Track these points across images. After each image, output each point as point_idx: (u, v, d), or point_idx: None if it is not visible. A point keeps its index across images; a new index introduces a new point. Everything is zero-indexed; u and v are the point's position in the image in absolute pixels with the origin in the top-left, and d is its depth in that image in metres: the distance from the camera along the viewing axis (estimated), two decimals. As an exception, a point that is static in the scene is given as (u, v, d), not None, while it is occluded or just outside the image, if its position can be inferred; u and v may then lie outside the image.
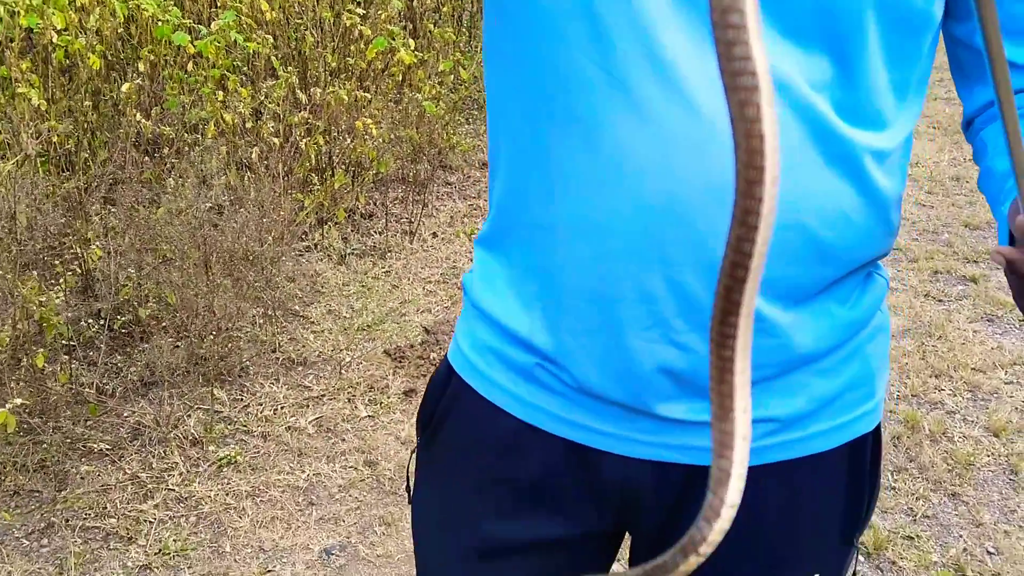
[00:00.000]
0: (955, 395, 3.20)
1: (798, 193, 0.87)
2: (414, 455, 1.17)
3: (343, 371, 3.23)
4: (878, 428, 1.07)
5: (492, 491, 1.06)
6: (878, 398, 1.05)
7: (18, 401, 2.42)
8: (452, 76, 4.76)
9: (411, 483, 1.18)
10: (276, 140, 3.67)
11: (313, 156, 3.95)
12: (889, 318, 1.08)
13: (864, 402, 1.03)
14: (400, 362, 3.30)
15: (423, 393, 1.14)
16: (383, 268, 3.96)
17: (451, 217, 4.46)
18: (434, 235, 4.28)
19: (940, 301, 3.88)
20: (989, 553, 2.49)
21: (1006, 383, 3.27)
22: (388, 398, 3.10)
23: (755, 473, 0.98)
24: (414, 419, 3.07)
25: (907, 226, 4.55)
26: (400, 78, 4.45)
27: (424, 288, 3.83)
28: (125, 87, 3.38)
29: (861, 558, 2.48)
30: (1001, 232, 0.91)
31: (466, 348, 1.06)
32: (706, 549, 0.55)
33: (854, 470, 1.05)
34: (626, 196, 0.87)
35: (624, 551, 1.18)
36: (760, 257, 0.45)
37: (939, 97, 6.48)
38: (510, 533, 1.07)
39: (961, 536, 2.56)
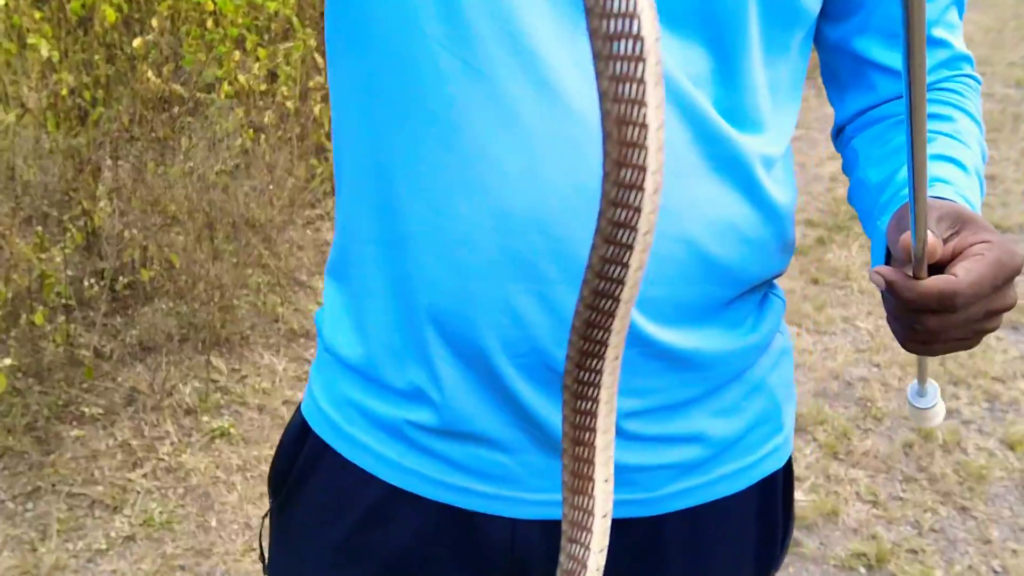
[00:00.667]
0: (972, 404, 3.10)
1: (683, 201, 0.78)
2: (266, 519, 1.04)
3: (346, 345, 3.17)
4: (789, 462, 0.98)
5: (351, 566, 0.95)
6: (786, 432, 0.97)
7: (8, 362, 2.37)
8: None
9: (264, 549, 1.06)
10: (291, 104, 3.60)
11: (328, 123, 3.87)
12: (790, 340, 0.99)
13: (771, 438, 0.95)
14: (404, 338, 3.24)
15: (276, 448, 1.02)
16: (394, 240, 3.90)
17: (468, 191, 4.38)
18: (449, 208, 4.20)
19: (963, 304, 3.77)
20: (995, 572, 2.41)
21: (1026, 394, 3.17)
22: (389, 375, 3.04)
23: (656, 522, 0.90)
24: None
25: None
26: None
27: (434, 263, 3.76)
28: (136, 42, 3.31)
29: (862, 569, 2.41)
30: (876, 249, 0.83)
31: (323, 402, 0.94)
32: None
33: (765, 510, 0.97)
34: (486, 204, 0.77)
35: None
36: (633, 286, 0.34)
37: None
38: None
39: (968, 552, 2.48)
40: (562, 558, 0.42)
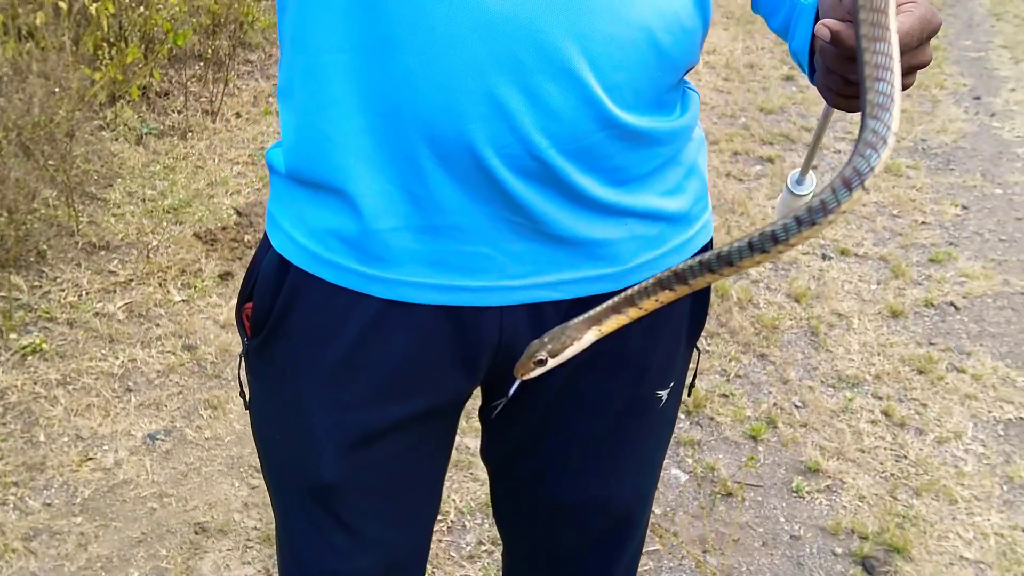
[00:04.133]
0: (758, 265, 3.37)
1: None
2: (243, 358, 1.08)
3: (151, 255, 3.05)
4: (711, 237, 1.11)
5: (353, 381, 1.00)
6: (710, 208, 1.09)
7: None
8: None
9: (245, 388, 1.10)
10: (63, 4, 3.36)
11: (106, 25, 3.64)
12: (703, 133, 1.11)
13: (703, 213, 1.07)
14: (212, 245, 3.15)
15: (244, 289, 1.03)
16: (185, 149, 3.74)
17: (255, 96, 4.25)
18: (238, 115, 4.07)
19: (740, 180, 4.06)
20: (796, 407, 2.67)
21: (803, 254, 3.48)
22: (203, 281, 2.96)
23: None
24: (233, 302, 2.95)
25: (707, 110, 4.71)
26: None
27: (232, 169, 3.65)
28: None
29: (682, 415, 2.60)
30: (804, 24, 0.90)
31: (299, 236, 0.96)
32: (872, 182, 0.54)
33: None
34: (468, 6, 0.81)
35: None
36: None
37: (730, -12, 6.69)
38: (375, 420, 1.01)
39: (771, 392, 2.73)
40: (869, 96, 0.50)
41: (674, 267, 0.77)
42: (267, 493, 1.16)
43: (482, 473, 2.37)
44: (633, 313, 0.81)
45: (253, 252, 1.03)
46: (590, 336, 0.82)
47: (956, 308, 3.21)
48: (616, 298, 0.82)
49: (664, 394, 1.13)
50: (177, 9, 3.80)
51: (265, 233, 1.03)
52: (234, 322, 2.77)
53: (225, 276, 2.99)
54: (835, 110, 0.93)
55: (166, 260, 3.04)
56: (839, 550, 2.22)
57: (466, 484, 2.34)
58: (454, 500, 2.27)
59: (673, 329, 1.10)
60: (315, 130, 0.91)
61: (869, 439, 2.57)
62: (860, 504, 2.35)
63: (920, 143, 4.56)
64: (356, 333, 0.97)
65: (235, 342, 2.71)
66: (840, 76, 0.81)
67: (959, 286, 3.33)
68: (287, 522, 1.13)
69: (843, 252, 3.51)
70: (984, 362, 2.91)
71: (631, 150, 0.93)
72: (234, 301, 2.87)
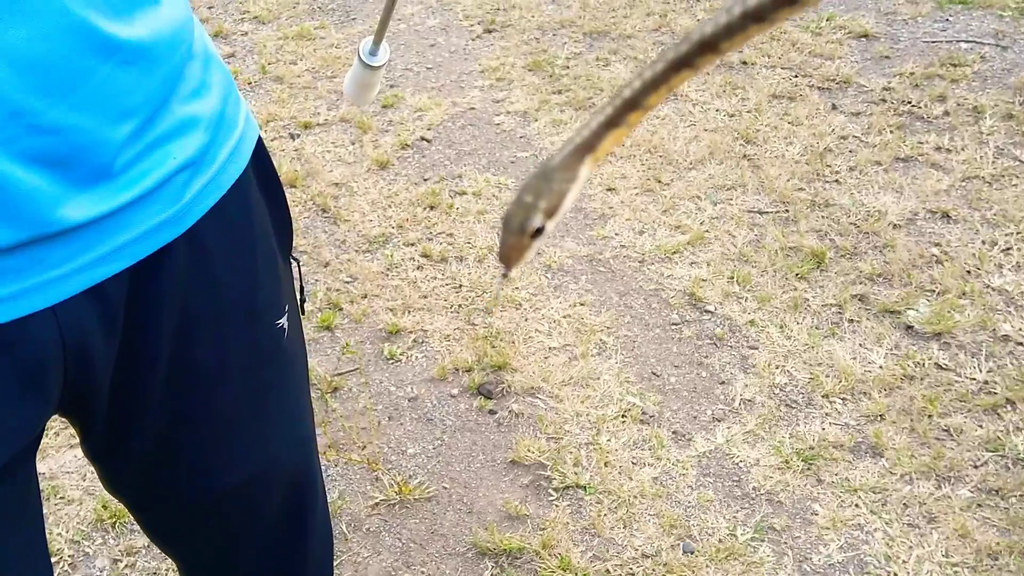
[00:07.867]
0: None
1: None
2: None
3: None
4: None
5: None
6: (244, 103, 0.97)
7: None
8: None
9: None
10: None
11: None
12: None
13: (238, 108, 0.95)
14: None
15: None
16: None
17: None
18: None
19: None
20: (347, 283, 2.67)
21: (271, 140, 3.40)
22: None
23: (193, 235, 0.87)
24: None
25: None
26: None
27: None
28: None
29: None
30: None
31: None
32: None
33: (265, 179, 0.99)
34: None
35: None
36: None
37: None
38: None
39: (318, 280, 2.69)
40: None
41: (691, 35, 0.57)
42: None
43: (74, 491, 2.07)
44: (635, 119, 0.61)
45: None
46: (586, 170, 0.63)
47: (428, 141, 3.37)
48: (609, 109, 0.62)
49: (284, 322, 1.02)
50: None
51: None
52: None
53: None
54: None
55: None
56: (455, 391, 2.31)
57: (62, 511, 2.03)
58: (61, 534, 1.97)
59: (265, 248, 0.98)
60: None
61: (424, 284, 2.65)
62: (449, 343, 2.44)
63: (313, 3, 4.61)
64: None
65: None
66: None
67: (420, 121, 3.49)
68: None
69: (306, 126, 3.49)
70: (476, 178, 3.12)
71: (145, 76, 0.78)
72: None
